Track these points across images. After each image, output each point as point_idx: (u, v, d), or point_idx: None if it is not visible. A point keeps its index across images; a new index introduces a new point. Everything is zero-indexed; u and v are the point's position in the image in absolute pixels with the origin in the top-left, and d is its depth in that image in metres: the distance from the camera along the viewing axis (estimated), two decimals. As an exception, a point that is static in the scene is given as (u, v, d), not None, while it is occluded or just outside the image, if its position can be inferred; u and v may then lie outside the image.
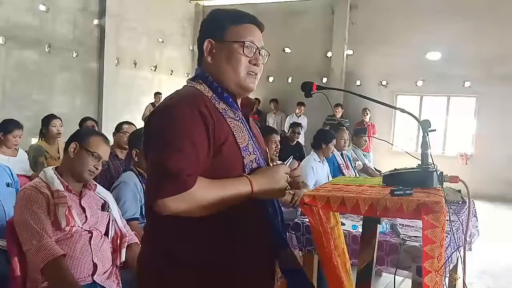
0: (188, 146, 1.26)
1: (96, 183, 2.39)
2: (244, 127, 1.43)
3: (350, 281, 1.70)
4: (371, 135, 9.11)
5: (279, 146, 3.89)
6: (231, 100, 1.43)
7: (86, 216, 2.23)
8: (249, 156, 1.40)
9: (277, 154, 3.92)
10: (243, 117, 1.46)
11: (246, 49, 1.41)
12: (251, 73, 1.43)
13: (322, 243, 1.55)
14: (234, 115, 1.42)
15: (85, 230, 2.20)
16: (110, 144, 4.07)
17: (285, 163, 1.52)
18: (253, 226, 1.38)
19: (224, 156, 1.33)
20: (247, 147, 1.40)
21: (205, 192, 1.26)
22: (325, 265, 1.59)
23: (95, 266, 2.19)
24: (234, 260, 1.34)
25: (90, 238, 2.21)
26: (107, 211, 2.35)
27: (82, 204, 2.25)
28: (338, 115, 9.57)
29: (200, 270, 1.33)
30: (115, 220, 2.38)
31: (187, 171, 1.23)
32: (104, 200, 2.37)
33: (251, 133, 1.46)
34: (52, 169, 2.28)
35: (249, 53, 1.42)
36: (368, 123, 9.51)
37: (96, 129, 5.18)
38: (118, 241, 2.36)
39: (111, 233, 2.34)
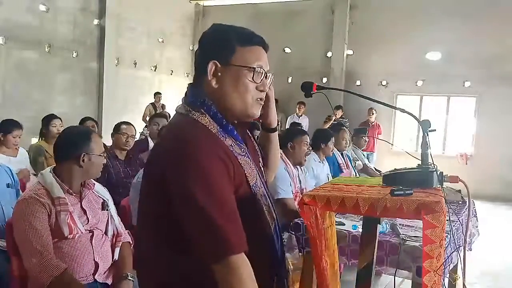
0: (225, 208, 1.21)
1: (94, 182, 2.39)
2: (249, 160, 1.37)
3: (337, 283, 1.69)
4: (376, 136, 9.10)
5: (310, 149, 3.89)
6: (235, 133, 1.36)
7: (87, 218, 2.23)
8: (259, 191, 1.37)
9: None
10: (246, 148, 1.39)
11: (256, 75, 1.32)
12: (258, 99, 1.36)
13: (316, 244, 1.54)
14: (241, 150, 1.35)
15: (86, 230, 2.21)
16: (109, 145, 4.10)
17: None
18: (258, 256, 1.32)
19: (238, 197, 1.28)
20: (256, 183, 1.36)
21: (242, 278, 1.19)
22: (316, 266, 1.59)
23: (96, 265, 2.20)
24: None
25: (91, 237, 2.22)
26: (107, 210, 2.36)
27: (83, 206, 2.24)
28: (338, 116, 9.56)
29: None
30: (113, 218, 2.39)
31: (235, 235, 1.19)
32: (103, 199, 2.38)
33: (254, 163, 1.40)
34: (51, 171, 2.25)
35: (258, 79, 1.33)
36: (373, 123, 9.50)
37: (95, 130, 5.17)
38: (114, 240, 2.37)
39: (110, 231, 2.35)
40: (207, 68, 1.32)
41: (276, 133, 1.62)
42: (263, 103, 1.39)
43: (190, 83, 1.41)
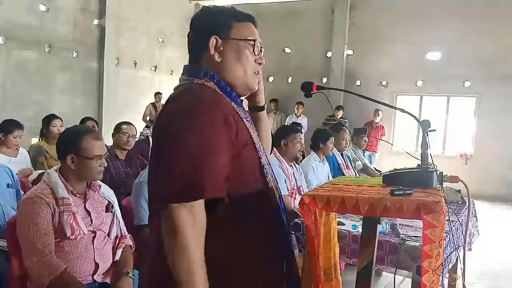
0: (209, 160, 1.19)
1: (100, 184, 2.36)
2: (252, 126, 1.40)
3: (338, 281, 1.69)
4: (380, 137, 9.08)
5: (303, 146, 3.91)
6: (239, 99, 1.40)
7: (91, 219, 2.22)
8: (262, 156, 1.38)
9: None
10: (249, 116, 1.43)
11: (255, 48, 1.38)
12: (256, 72, 1.41)
13: (313, 244, 1.54)
14: (245, 114, 1.39)
15: (89, 231, 2.20)
16: (110, 145, 4.10)
17: None
18: (268, 235, 1.35)
19: (244, 159, 1.29)
20: (260, 148, 1.38)
21: (188, 233, 1.15)
22: (313, 266, 1.58)
23: (96, 265, 2.20)
24: (246, 266, 1.30)
25: (93, 238, 2.21)
26: (111, 212, 2.34)
27: (87, 208, 2.23)
28: (339, 116, 9.55)
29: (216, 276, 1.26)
30: (118, 220, 2.38)
31: (199, 184, 1.16)
32: (108, 201, 2.36)
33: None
34: (56, 171, 2.24)
35: (256, 51, 1.39)
36: (377, 124, 9.48)
37: (96, 130, 5.16)
38: (117, 241, 2.36)
39: (114, 233, 2.34)
40: (208, 43, 1.35)
41: (265, 111, 1.63)
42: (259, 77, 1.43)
43: (185, 65, 1.43)
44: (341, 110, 9.59)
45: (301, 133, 3.91)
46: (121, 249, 2.35)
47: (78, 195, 2.22)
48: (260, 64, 1.41)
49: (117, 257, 2.33)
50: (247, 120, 1.38)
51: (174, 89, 1.40)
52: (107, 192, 2.40)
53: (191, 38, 1.41)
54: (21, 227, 2.10)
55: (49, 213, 2.09)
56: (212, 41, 1.35)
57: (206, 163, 1.19)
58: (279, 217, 1.40)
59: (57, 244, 2.11)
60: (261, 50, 1.41)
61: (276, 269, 1.39)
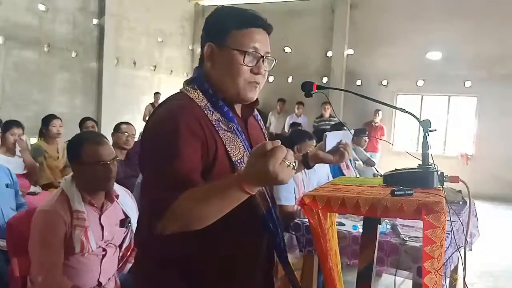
0: (176, 165, 1.19)
1: (118, 194, 2.21)
2: (239, 137, 1.34)
3: (341, 283, 1.70)
4: (379, 137, 9.06)
5: None
6: (226, 109, 1.34)
7: (103, 234, 2.10)
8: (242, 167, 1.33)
9: None
10: (238, 127, 1.35)
11: (247, 58, 1.31)
12: (252, 82, 1.34)
13: (321, 244, 1.54)
14: (228, 126, 1.33)
15: (99, 247, 2.09)
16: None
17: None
18: (249, 228, 1.34)
19: (216, 171, 1.26)
20: (242, 160, 1.31)
21: (188, 204, 1.13)
22: (323, 266, 1.59)
23: (99, 284, 2.13)
24: (229, 264, 1.31)
25: (103, 257, 2.11)
26: (126, 227, 2.21)
27: (102, 222, 2.10)
28: (327, 113, 9.46)
29: (193, 276, 1.30)
30: (133, 231, 2.22)
31: (169, 192, 1.15)
32: (125, 215, 2.22)
33: (247, 143, 1.36)
34: (72, 182, 2.10)
35: (251, 62, 1.32)
36: (377, 124, 9.45)
37: (95, 130, 5.16)
38: (129, 252, 2.27)
39: (126, 244, 2.24)
40: (204, 50, 1.36)
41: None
42: (259, 85, 1.37)
43: (197, 66, 1.45)
44: (328, 105, 9.30)
45: (311, 139, 3.85)
46: (131, 264, 2.25)
47: (95, 206, 2.10)
48: (257, 74, 1.34)
49: (127, 269, 2.25)
50: (228, 131, 1.32)
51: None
52: (127, 203, 2.25)
53: (201, 40, 1.41)
54: (32, 240, 1.99)
55: (63, 229, 1.97)
56: (207, 48, 1.35)
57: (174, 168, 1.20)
58: (260, 227, 1.38)
59: (64, 258, 2.00)
60: (262, 58, 1.34)
61: (260, 271, 1.42)
